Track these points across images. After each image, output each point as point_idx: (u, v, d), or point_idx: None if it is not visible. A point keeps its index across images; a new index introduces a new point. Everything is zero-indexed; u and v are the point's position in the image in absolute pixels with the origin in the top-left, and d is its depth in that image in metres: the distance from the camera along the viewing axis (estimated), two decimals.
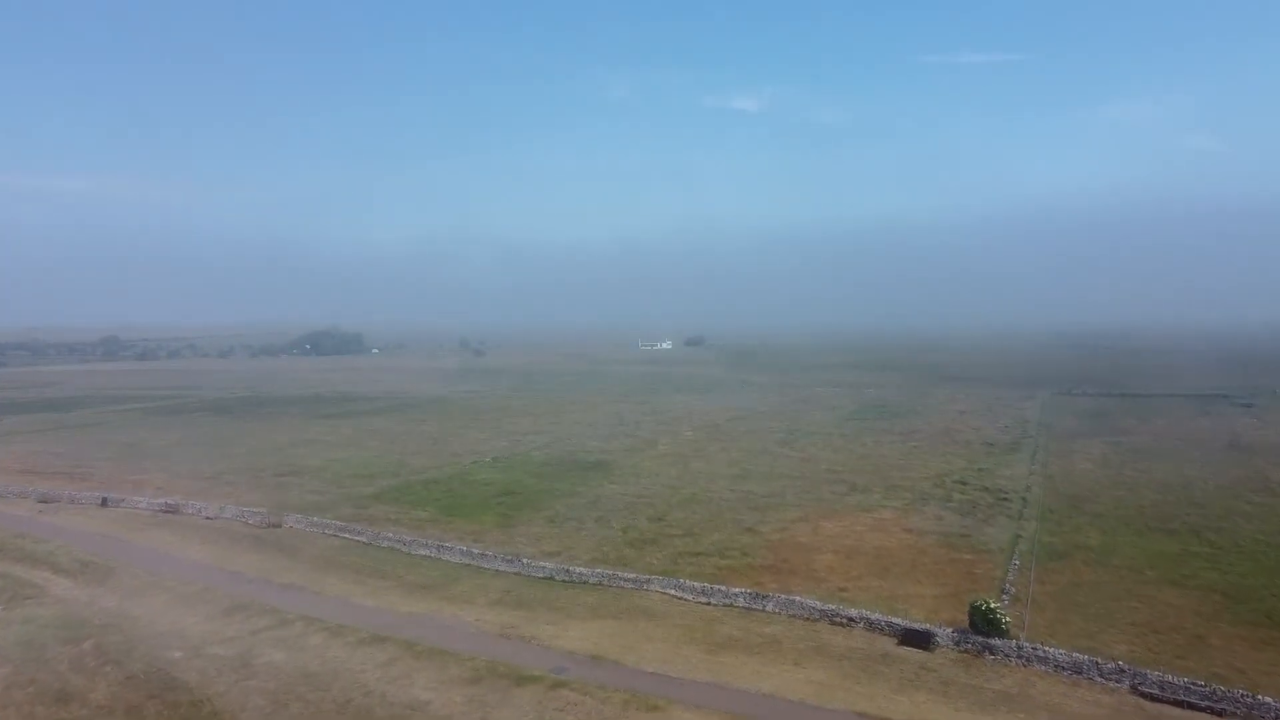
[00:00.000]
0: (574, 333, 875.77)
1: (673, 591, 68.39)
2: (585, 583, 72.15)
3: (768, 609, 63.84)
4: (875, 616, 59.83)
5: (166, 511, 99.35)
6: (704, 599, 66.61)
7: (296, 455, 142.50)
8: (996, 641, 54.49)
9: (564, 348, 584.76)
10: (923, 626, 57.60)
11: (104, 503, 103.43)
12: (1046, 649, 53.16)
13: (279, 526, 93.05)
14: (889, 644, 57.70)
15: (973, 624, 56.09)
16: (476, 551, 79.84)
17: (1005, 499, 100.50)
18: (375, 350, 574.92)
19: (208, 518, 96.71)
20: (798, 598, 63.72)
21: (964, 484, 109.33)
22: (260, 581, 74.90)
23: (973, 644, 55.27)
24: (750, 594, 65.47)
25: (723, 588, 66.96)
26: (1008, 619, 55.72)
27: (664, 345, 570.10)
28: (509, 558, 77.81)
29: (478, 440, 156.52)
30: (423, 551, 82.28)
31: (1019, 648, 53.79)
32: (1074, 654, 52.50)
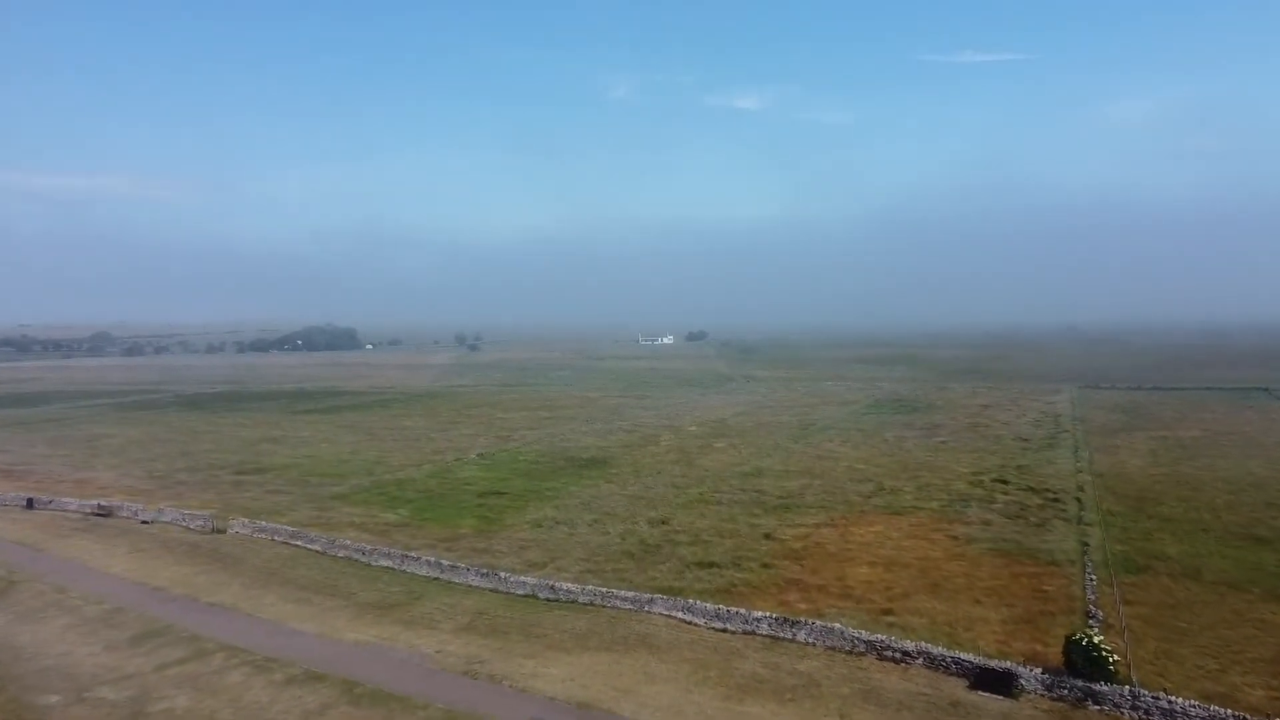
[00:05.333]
0: (574, 330, 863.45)
1: (680, 615, 55.94)
2: (574, 602, 59.68)
3: (799, 638, 51.38)
4: (937, 651, 47.33)
5: (98, 514, 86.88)
6: (719, 624, 54.17)
7: (264, 452, 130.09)
8: (1102, 687, 42.03)
9: (563, 343, 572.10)
10: (1002, 665, 45.12)
11: (29, 504, 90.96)
12: (1171, 699, 40.65)
13: (223, 533, 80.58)
14: (958, 687, 45.22)
15: (1069, 663, 43.64)
16: (446, 563, 67.37)
17: (1056, 500, 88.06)
18: (369, 346, 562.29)
19: (143, 522, 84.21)
20: (837, 625, 51.23)
21: (1005, 483, 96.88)
22: (184, 600, 62.38)
23: (1070, 689, 42.80)
24: (776, 619, 52.98)
25: (742, 611, 54.46)
26: (1115, 657, 43.28)
27: (665, 340, 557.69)
28: (484, 570, 65.33)
29: (464, 436, 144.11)
30: (384, 562, 69.83)
31: (1134, 696, 41.30)
32: (1210, 707, 39.95)
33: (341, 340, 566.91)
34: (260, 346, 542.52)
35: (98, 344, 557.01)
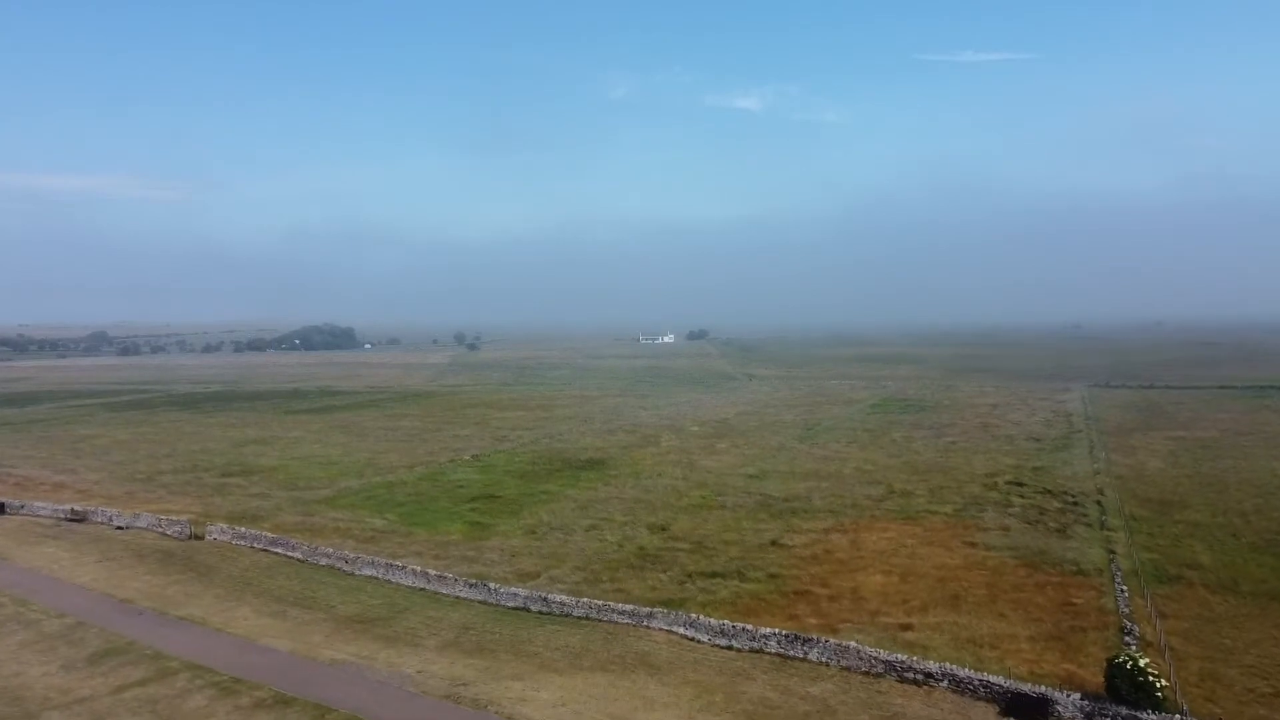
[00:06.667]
0: (573, 329, 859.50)
1: (681, 630, 51.89)
2: (568, 616, 55.66)
3: (811, 657, 47.32)
4: (964, 673, 43.24)
5: (71, 520, 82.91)
6: (723, 641, 50.13)
7: (252, 453, 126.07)
8: (1149, 716, 37.92)
9: (562, 342, 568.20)
10: (1036, 689, 41.05)
11: (0, 509, 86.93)
12: None
13: (200, 539, 76.60)
14: (988, 714, 41.14)
15: (1112, 688, 39.56)
16: (434, 573, 63.31)
17: (1076, 504, 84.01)
18: (368, 346, 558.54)
19: (118, 528, 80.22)
20: (852, 643, 47.14)
21: (1020, 485, 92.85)
22: (151, 614, 58.34)
23: (1113, 718, 38.70)
24: (786, 635, 48.92)
25: (748, 626, 50.41)
26: (1163, 682, 39.19)
27: (666, 339, 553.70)
28: (473, 581, 61.29)
29: (459, 437, 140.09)
30: (368, 571, 65.81)
31: None
32: None
33: (340, 340, 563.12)
34: (258, 346, 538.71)
35: (94, 344, 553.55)
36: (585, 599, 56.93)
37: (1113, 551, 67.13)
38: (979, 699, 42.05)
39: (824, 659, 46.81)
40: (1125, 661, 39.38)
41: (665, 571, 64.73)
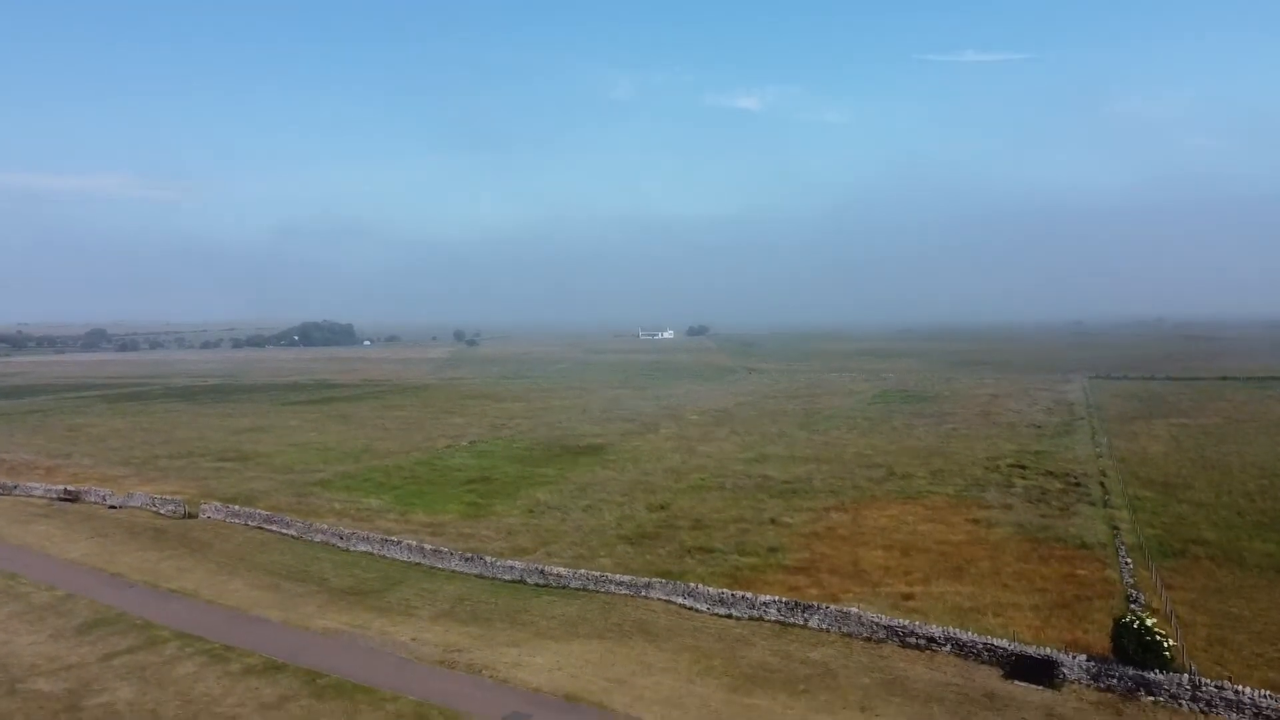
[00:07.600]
0: (572, 326, 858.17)
1: (680, 600, 51.10)
2: (565, 588, 54.89)
3: (811, 624, 46.55)
4: (967, 636, 42.47)
5: (64, 499, 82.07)
6: (723, 610, 49.36)
7: (249, 441, 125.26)
8: (1156, 676, 37.17)
9: (561, 338, 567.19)
10: (1041, 651, 40.24)
11: None
12: (1238, 688, 35.80)
13: (194, 517, 75.80)
14: (992, 676, 40.37)
15: (1118, 649, 38.76)
16: (429, 548, 62.51)
17: (1078, 485, 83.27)
18: (367, 342, 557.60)
19: (111, 507, 79.39)
20: (853, 610, 46.36)
21: (1022, 468, 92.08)
22: (141, 587, 57.56)
23: (1120, 678, 37.94)
24: (786, 603, 48.14)
25: (748, 595, 49.62)
26: (1171, 642, 38.40)
27: (666, 335, 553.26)
28: (469, 555, 60.50)
29: (457, 425, 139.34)
30: (363, 547, 65.02)
31: (1194, 684, 36.44)
32: (1277, 697, 35.10)
33: (339, 336, 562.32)
34: (257, 342, 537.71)
35: (93, 340, 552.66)
36: (582, 570, 56.13)
37: (1116, 528, 66.38)
38: (983, 662, 41.28)
39: (825, 625, 46.05)
40: (1133, 622, 38.59)
41: (663, 547, 64.00)
